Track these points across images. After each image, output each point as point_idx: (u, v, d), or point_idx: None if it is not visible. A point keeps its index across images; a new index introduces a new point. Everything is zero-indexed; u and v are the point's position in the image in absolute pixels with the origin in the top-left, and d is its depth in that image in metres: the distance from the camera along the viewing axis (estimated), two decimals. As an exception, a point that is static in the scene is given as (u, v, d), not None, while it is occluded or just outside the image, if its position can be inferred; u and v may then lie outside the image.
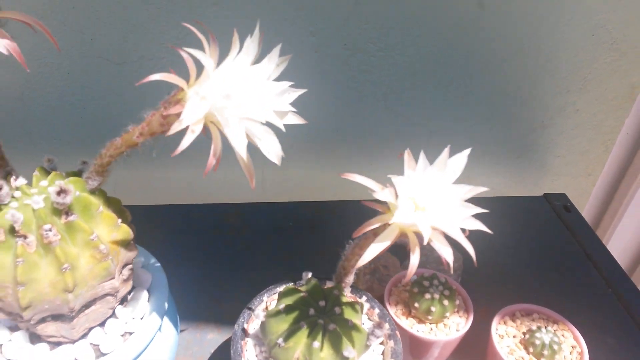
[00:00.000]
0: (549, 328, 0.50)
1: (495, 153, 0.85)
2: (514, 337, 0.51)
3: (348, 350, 0.40)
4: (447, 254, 0.31)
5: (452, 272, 0.52)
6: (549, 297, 0.61)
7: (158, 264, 0.50)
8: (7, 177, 0.40)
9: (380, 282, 0.63)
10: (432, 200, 0.31)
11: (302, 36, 0.69)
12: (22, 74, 0.68)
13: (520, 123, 0.82)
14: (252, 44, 0.29)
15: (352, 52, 0.72)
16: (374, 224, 0.33)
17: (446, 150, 0.31)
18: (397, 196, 0.31)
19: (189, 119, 0.28)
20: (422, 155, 0.31)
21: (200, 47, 0.29)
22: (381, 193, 0.31)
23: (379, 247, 0.32)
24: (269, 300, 0.49)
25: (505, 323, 0.53)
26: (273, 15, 0.67)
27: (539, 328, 0.50)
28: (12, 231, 0.36)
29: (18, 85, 0.70)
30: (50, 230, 0.36)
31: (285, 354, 0.41)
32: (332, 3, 0.67)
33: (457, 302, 0.52)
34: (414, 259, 0.31)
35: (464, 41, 0.72)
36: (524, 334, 0.51)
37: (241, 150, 0.29)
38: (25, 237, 0.36)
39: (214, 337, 0.58)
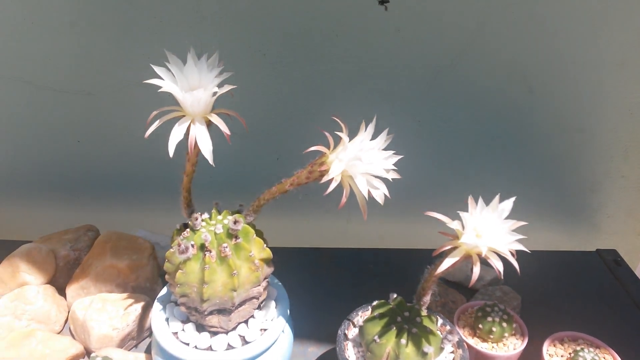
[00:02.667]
0: (592, 349, 0.61)
1: (549, 212, 0.97)
2: (562, 356, 0.63)
3: (427, 347, 0.54)
4: (499, 266, 0.45)
5: (501, 277, 0.64)
6: (594, 334, 0.72)
7: (280, 283, 0.66)
8: (191, 214, 0.59)
9: (449, 313, 0.76)
10: (487, 230, 0.46)
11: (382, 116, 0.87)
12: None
13: (570, 186, 0.95)
14: (370, 129, 0.47)
15: (424, 125, 0.89)
16: (447, 246, 0.48)
17: (497, 197, 0.47)
18: (463, 227, 0.47)
19: (334, 173, 0.45)
20: (480, 200, 0.47)
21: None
22: (453, 223, 0.46)
23: (451, 261, 0.47)
24: (362, 314, 0.64)
25: (554, 346, 0.64)
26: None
27: (582, 349, 0.61)
28: (202, 247, 0.55)
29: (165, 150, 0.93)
30: (226, 247, 0.54)
31: (379, 349, 0.56)
32: (409, 88, 0.86)
33: (514, 325, 0.65)
34: (476, 270, 0.46)
35: (518, 117, 0.88)
36: (570, 354, 0.62)
37: (364, 193, 0.46)
38: (210, 251, 0.55)
39: (313, 350, 0.73)
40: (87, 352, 0.70)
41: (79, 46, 0.82)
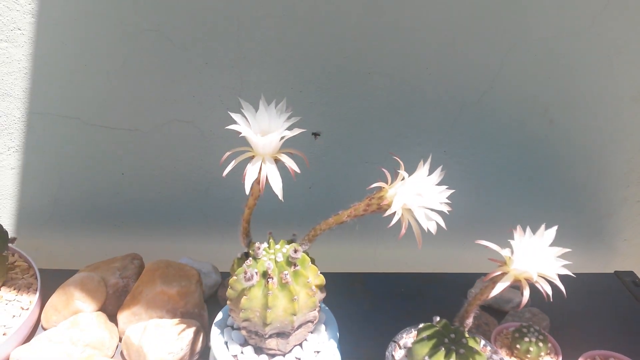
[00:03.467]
0: (624, 367, 0.65)
1: (570, 236, 1.02)
2: (596, 373, 0.67)
3: (475, 366, 0.58)
4: (547, 289, 0.50)
5: (551, 299, 0.67)
6: (620, 351, 0.76)
7: (327, 308, 0.71)
8: (249, 243, 0.64)
9: (483, 335, 0.80)
10: (535, 255, 0.51)
11: (409, 146, 0.93)
12: (208, 174, 0.96)
13: (589, 212, 1.00)
14: (426, 166, 0.52)
15: (450, 156, 0.95)
16: (497, 272, 0.53)
17: (543, 226, 0.52)
18: (513, 253, 0.52)
19: (396, 207, 0.50)
20: (528, 229, 0.52)
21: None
22: (503, 251, 0.51)
23: (502, 286, 0.52)
24: (407, 336, 0.69)
25: (588, 363, 0.68)
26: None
27: (615, 366, 0.65)
28: (264, 274, 0.59)
29: (204, 182, 0.98)
30: (287, 274, 0.59)
31: (430, 368, 0.60)
32: (436, 121, 0.91)
33: (549, 345, 0.69)
34: (526, 293, 0.51)
35: (540, 148, 0.94)
36: (604, 371, 0.66)
37: (424, 225, 0.51)
38: (272, 278, 0.59)
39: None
40: (142, 376, 0.73)
41: (128, 86, 0.88)
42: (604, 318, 0.87)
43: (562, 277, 1.00)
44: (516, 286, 0.88)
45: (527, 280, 0.51)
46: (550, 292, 0.50)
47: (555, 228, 0.53)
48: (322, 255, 0.67)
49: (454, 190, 0.53)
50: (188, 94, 0.88)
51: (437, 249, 1.02)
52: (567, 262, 0.51)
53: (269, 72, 0.87)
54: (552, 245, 0.53)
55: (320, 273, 0.63)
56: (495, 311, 0.86)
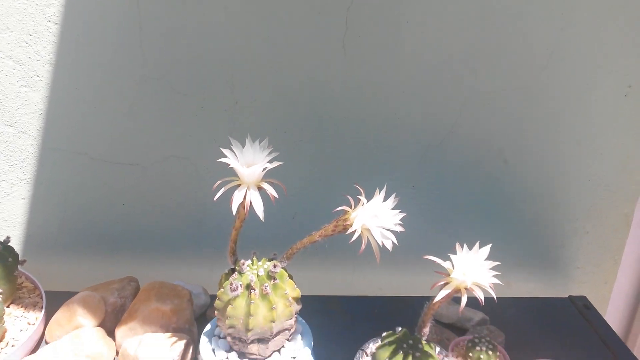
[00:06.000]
0: (562, 373, 0.75)
1: (527, 265, 1.13)
2: (538, 379, 0.76)
3: (428, 368, 0.68)
4: (480, 295, 0.60)
5: (482, 304, 0.76)
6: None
7: (304, 321, 0.80)
8: (235, 261, 0.74)
9: (444, 347, 0.89)
10: (472, 268, 0.62)
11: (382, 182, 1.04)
12: (202, 206, 1.06)
13: (544, 243, 1.11)
14: (382, 194, 0.63)
15: (418, 190, 1.06)
16: (441, 282, 0.63)
17: (477, 244, 0.63)
18: (454, 266, 0.62)
19: (356, 226, 0.61)
20: (465, 246, 0.63)
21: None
22: (444, 263, 0.62)
23: (445, 292, 0.62)
24: (373, 345, 0.78)
25: (532, 371, 0.78)
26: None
27: (554, 373, 0.75)
28: (248, 287, 0.69)
29: (198, 212, 1.08)
30: (267, 286, 0.69)
31: (389, 370, 0.69)
32: (405, 160, 1.03)
33: (498, 354, 0.78)
34: (464, 299, 0.61)
35: (496, 185, 1.05)
36: (545, 377, 0.76)
37: (379, 241, 0.61)
38: (254, 289, 0.69)
39: (329, 383, 0.85)
40: (137, 384, 0.81)
41: (132, 126, 0.99)
42: (556, 336, 0.97)
43: (520, 300, 1.10)
44: (476, 305, 0.98)
45: (465, 289, 0.62)
46: (482, 298, 0.60)
47: (488, 246, 0.63)
48: (303, 279, 0.77)
49: (405, 214, 0.64)
50: (185, 133, 1.00)
51: (407, 275, 1.12)
52: (496, 273, 0.62)
53: (258, 115, 1.00)
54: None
55: (301, 296, 0.73)
56: (458, 329, 0.95)
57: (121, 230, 1.07)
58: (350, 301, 1.06)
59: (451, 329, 0.94)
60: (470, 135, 1.02)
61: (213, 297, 1.00)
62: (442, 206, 1.08)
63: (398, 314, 1.01)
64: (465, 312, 0.96)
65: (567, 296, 1.09)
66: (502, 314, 1.00)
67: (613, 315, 1.19)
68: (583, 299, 1.08)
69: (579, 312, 1.04)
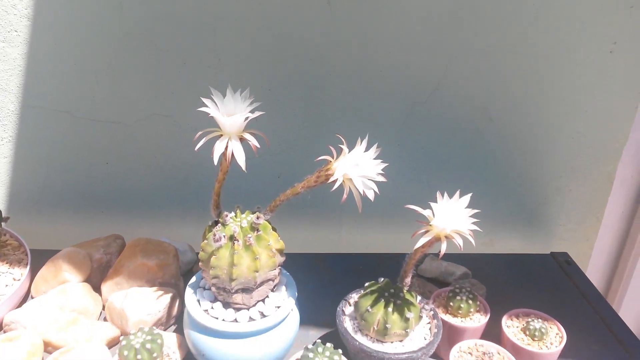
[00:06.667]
0: (540, 320, 0.77)
1: (511, 223, 1.14)
2: (517, 327, 0.78)
3: (408, 314, 0.69)
4: (460, 242, 0.61)
5: (461, 249, 0.78)
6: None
7: (288, 273, 0.81)
8: (219, 214, 0.74)
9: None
10: (452, 216, 0.62)
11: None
12: (185, 164, 1.06)
13: (527, 201, 1.12)
14: (364, 143, 0.63)
15: (403, 149, 1.06)
16: (422, 230, 0.64)
17: (458, 192, 0.63)
18: (434, 214, 0.63)
19: (337, 175, 0.61)
20: (445, 195, 0.63)
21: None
22: (425, 212, 0.62)
23: (425, 239, 0.63)
24: (356, 295, 0.79)
25: (511, 319, 0.80)
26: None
27: (533, 320, 0.77)
28: (231, 238, 0.69)
29: (182, 171, 1.07)
30: (250, 237, 0.69)
31: (371, 317, 0.70)
32: (391, 118, 1.03)
33: (478, 303, 0.80)
34: (444, 246, 0.62)
35: (481, 142, 1.06)
36: (523, 324, 0.78)
37: (361, 190, 0.62)
38: (237, 240, 0.69)
39: (313, 333, 0.87)
40: (123, 334, 0.82)
41: (113, 83, 0.98)
42: (537, 290, 0.99)
43: (502, 257, 1.12)
44: (457, 261, 1.00)
45: (445, 236, 0.63)
46: (462, 244, 0.61)
47: (468, 196, 0.64)
48: (291, 238, 0.77)
49: (387, 164, 0.65)
50: (168, 91, 0.99)
51: (392, 233, 1.13)
52: (475, 220, 0.63)
53: (242, 73, 0.98)
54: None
55: (288, 253, 0.73)
56: (440, 283, 0.97)
57: (105, 189, 1.07)
58: (336, 258, 1.07)
59: (434, 283, 0.96)
60: (456, 93, 1.01)
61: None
62: (427, 165, 1.08)
63: (383, 270, 1.02)
64: (448, 266, 0.98)
65: (549, 252, 1.11)
66: (484, 269, 1.02)
67: (593, 272, 1.22)
68: (564, 255, 1.10)
69: (560, 267, 1.07)
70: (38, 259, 0.91)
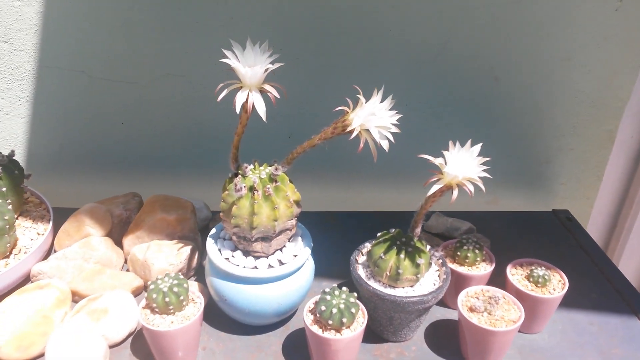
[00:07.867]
0: (543, 268, 0.81)
1: (514, 181, 1.18)
2: (521, 274, 0.82)
3: (419, 260, 0.73)
4: (471, 188, 0.64)
5: (472, 195, 0.81)
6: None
7: (302, 225, 0.85)
8: (238, 167, 0.77)
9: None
10: (463, 164, 0.66)
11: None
12: (199, 124, 1.08)
13: (530, 159, 1.15)
14: (380, 94, 0.66)
15: (410, 109, 1.09)
16: (434, 178, 0.67)
17: (469, 141, 0.66)
18: (446, 163, 0.66)
19: (355, 125, 0.64)
20: (457, 144, 0.66)
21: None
22: (437, 160, 0.66)
23: (437, 186, 0.66)
24: (369, 245, 0.83)
25: (515, 268, 0.84)
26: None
27: (536, 268, 0.81)
28: (251, 188, 0.73)
29: (195, 131, 1.10)
30: (269, 188, 0.72)
31: (384, 263, 0.74)
32: (399, 77, 1.05)
33: (484, 253, 0.84)
34: (455, 193, 0.65)
35: (487, 102, 1.08)
36: (527, 272, 0.82)
37: (377, 140, 0.64)
38: (257, 190, 0.72)
39: (326, 284, 0.91)
40: (146, 285, 0.87)
41: (128, 43, 0.99)
42: (539, 244, 1.03)
43: (506, 214, 1.16)
44: (463, 217, 1.03)
45: (457, 184, 0.66)
46: (472, 190, 0.65)
47: (479, 145, 0.67)
48: (303, 198, 0.80)
49: (402, 115, 0.67)
50: (181, 50, 1.01)
51: (401, 193, 1.17)
52: (486, 167, 0.66)
53: (254, 31, 1.00)
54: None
55: (301, 210, 0.76)
56: (447, 238, 1.01)
57: (121, 149, 1.10)
58: (345, 216, 1.11)
59: (439, 237, 1.00)
60: (463, 53, 1.03)
61: (214, 212, 1.05)
62: (434, 125, 1.11)
63: (392, 226, 1.06)
64: (453, 222, 1.02)
65: (550, 210, 1.14)
66: (488, 226, 1.06)
67: (593, 229, 1.26)
68: (565, 212, 1.14)
69: (562, 224, 1.11)
70: (58, 217, 0.95)
